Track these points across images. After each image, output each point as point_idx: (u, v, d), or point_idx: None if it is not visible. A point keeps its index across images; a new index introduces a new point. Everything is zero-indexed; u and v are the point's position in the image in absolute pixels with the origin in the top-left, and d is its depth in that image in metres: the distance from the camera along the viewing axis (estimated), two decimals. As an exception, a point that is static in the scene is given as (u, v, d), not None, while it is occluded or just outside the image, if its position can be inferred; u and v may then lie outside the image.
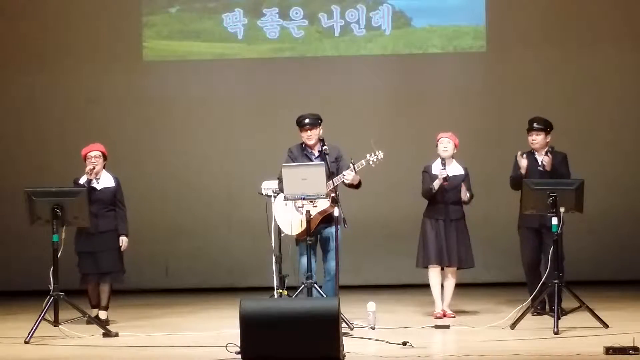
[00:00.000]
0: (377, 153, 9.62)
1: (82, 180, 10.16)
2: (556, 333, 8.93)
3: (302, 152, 9.88)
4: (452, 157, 10.20)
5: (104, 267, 10.15)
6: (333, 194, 9.49)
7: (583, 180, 9.42)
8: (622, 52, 13.21)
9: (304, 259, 9.58)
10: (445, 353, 8.38)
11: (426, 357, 8.06)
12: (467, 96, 13.30)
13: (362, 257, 12.82)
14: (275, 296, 9.77)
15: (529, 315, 9.57)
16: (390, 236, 12.95)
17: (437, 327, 9.60)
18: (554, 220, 9.24)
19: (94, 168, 10.13)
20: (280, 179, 9.63)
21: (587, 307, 9.33)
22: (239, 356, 7.70)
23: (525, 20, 13.27)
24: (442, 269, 10.17)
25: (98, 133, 12.25)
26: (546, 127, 10.13)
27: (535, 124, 10.14)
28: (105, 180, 10.25)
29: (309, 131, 9.82)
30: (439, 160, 10.18)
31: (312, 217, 9.44)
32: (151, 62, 13.57)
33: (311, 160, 9.76)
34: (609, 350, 7.82)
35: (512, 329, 9.23)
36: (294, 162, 9.76)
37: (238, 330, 7.67)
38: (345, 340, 7.97)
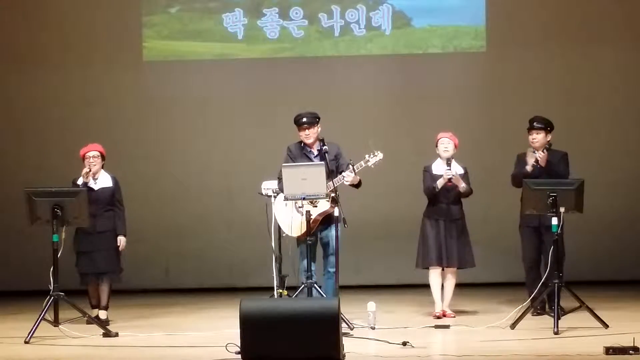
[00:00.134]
0: (376, 154, 9.62)
1: (80, 181, 10.17)
2: (556, 333, 8.93)
3: (301, 151, 9.87)
4: (452, 157, 10.20)
5: (101, 267, 10.16)
6: (333, 194, 9.50)
7: (583, 180, 9.42)
8: (622, 51, 13.21)
9: (305, 260, 9.59)
10: (445, 353, 8.38)
11: (426, 357, 8.06)
12: (467, 96, 13.30)
13: (362, 257, 12.82)
14: (275, 296, 9.76)
15: (529, 315, 9.56)
16: (390, 236, 12.95)
17: (437, 327, 9.60)
18: (554, 220, 9.25)
19: (90, 170, 10.14)
20: (280, 179, 9.63)
21: (587, 307, 9.33)
22: (239, 356, 7.71)
23: (525, 20, 13.27)
24: (443, 269, 10.17)
25: (98, 133, 12.25)
26: (546, 126, 10.13)
27: (535, 123, 10.14)
28: (103, 181, 10.25)
29: (306, 130, 9.83)
30: (439, 160, 10.19)
31: (312, 217, 9.44)
32: (151, 62, 13.57)
33: (310, 159, 9.76)
34: (609, 350, 7.82)
35: (512, 329, 9.23)
36: (293, 160, 9.76)
37: (238, 330, 7.67)
38: (345, 340, 7.97)
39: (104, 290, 10.26)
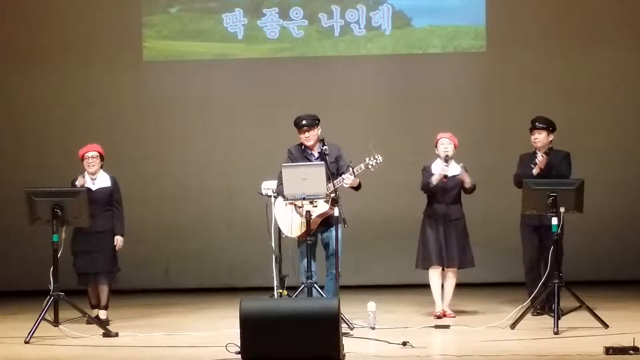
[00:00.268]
0: (376, 157, 9.62)
1: (78, 182, 10.18)
2: (556, 333, 8.93)
3: (302, 153, 9.87)
4: (452, 158, 10.21)
5: (98, 267, 10.17)
6: (333, 195, 9.50)
7: (583, 180, 9.42)
8: (622, 51, 13.21)
9: (305, 260, 9.59)
10: (445, 353, 8.38)
11: (426, 357, 8.07)
12: (467, 96, 13.30)
13: (362, 257, 12.82)
14: (275, 296, 9.76)
15: (529, 315, 9.56)
16: (390, 236, 12.94)
17: (437, 327, 9.60)
18: (554, 220, 9.25)
19: (83, 177, 10.16)
20: (279, 180, 9.63)
21: (587, 307, 9.33)
22: (239, 356, 7.71)
23: (525, 20, 13.27)
24: (443, 269, 10.17)
25: (98, 133, 12.26)
26: (548, 126, 10.14)
27: (537, 123, 10.15)
28: (101, 181, 10.26)
29: (306, 132, 9.82)
30: (438, 160, 10.19)
31: (312, 218, 9.44)
32: (151, 62, 13.57)
33: (310, 161, 9.75)
34: (609, 350, 7.82)
35: (512, 329, 9.24)
36: (293, 162, 9.75)
37: (238, 330, 7.67)
38: (345, 340, 7.97)
39: (104, 290, 10.26)
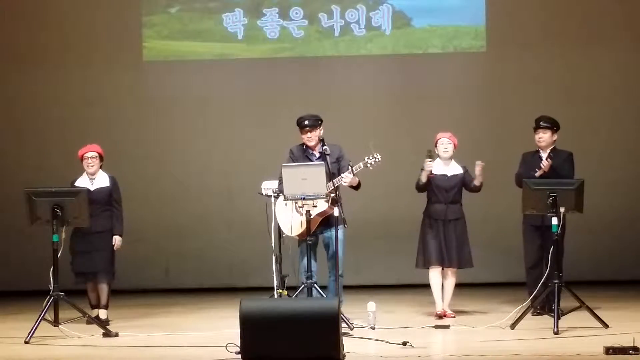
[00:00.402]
0: (375, 156, 9.62)
1: (79, 182, 10.18)
2: (556, 333, 8.93)
3: (303, 154, 9.87)
4: (451, 157, 10.21)
5: (96, 266, 10.16)
6: (333, 194, 9.50)
7: (583, 180, 9.43)
8: (622, 52, 13.21)
9: (305, 259, 9.59)
10: (445, 353, 8.38)
11: (426, 357, 8.06)
12: (467, 96, 13.31)
13: (362, 257, 12.81)
14: (275, 296, 9.76)
15: (529, 315, 9.56)
16: (390, 236, 12.95)
17: (437, 327, 9.60)
18: (554, 220, 9.25)
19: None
20: (280, 180, 9.63)
21: (587, 307, 9.33)
22: (239, 356, 7.71)
23: (525, 20, 13.27)
24: (443, 268, 10.17)
25: (98, 133, 12.26)
26: (552, 125, 10.15)
27: (542, 122, 10.15)
28: (100, 181, 10.26)
29: (309, 132, 9.82)
30: (438, 160, 10.19)
31: (312, 217, 9.44)
32: (151, 62, 13.57)
33: (312, 161, 9.75)
34: (609, 350, 7.82)
35: (512, 329, 9.24)
36: (294, 162, 9.75)
37: (238, 330, 7.67)
38: (345, 340, 7.97)
39: (103, 290, 10.26)
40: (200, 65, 13.56)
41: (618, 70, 13.23)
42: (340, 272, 9.68)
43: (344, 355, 7.75)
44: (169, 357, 8.43)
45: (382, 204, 13.01)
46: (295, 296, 9.46)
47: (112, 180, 10.33)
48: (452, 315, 10.17)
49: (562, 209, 9.23)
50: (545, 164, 9.97)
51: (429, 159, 10.01)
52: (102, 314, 10.24)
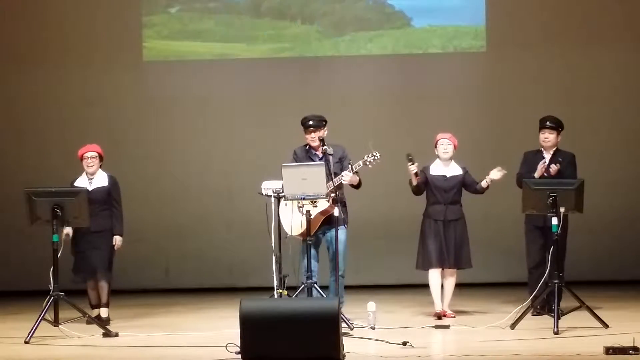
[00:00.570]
0: (374, 154, 9.63)
1: (77, 182, 10.18)
2: (556, 333, 8.93)
3: (306, 154, 9.88)
4: (451, 158, 10.21)
5: (94, 265, 10.16)
6: (333, 194, 9.50)
7: (583, 180, 9.43)
8: (622, 52, 13.21)
9: (306, 259, 9.59)
10: (445, 353, 8.38)
11: (426, 357, 8.06)
12: (467, 96, 13.31)
13: (362, 257, 12.79)
14: (275, 296, 9.76)
15: (529, 315, 9.56)
16: (390, 236, 12.95)
17: (437, 327, 9.60)
18: (554, 220, 9.25)
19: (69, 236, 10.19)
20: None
21: (587, 307, 9.32)
22: (239, 356, 7.70)
23: (525, 20, 13.27)
24: (442, 269, 10.16)
25: (98, 133, 12.27)
26: (558, 126, 10.16)
27: (548, 123, 10.16)
28: (98, 180, 10.26)
29: (312, 133, 9.83)
30: (437, 161, 10.20)
31: (313, 217, 9.44)
32: (151, 62, 13.57)
33: (314, 162, 9.75)
34: (609, 350, 7.81)
35: (512, 329, 9.23)
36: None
37: (238, 330, 7.67)
38: (345, 340, 7.97)
39: (103, 288, 10.26)
40: (200, 65, 13.56)
41: (618, 70, 13.23)
42: (341, 272, 9.69)
43: (344, 355, 7.75)
44: (169, 357, 8.43)
45: (382, 204, 13.01)
46: (295, 296, 9.46)
47: (111, 179, 10.32)
48: (452, 315, 10.17)
49: (562, 209, 9.23)
50: (553, 167, 9.98)
51: (410, 163, 10.02)
52: (103, 312, 10.24)
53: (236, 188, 13.16)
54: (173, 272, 13.49)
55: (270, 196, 9.91)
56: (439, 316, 10.08)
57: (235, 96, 13.47)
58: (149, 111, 13.50)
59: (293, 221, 9.67)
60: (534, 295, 9.57)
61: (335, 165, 9.67)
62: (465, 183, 10.18)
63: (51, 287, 9.32)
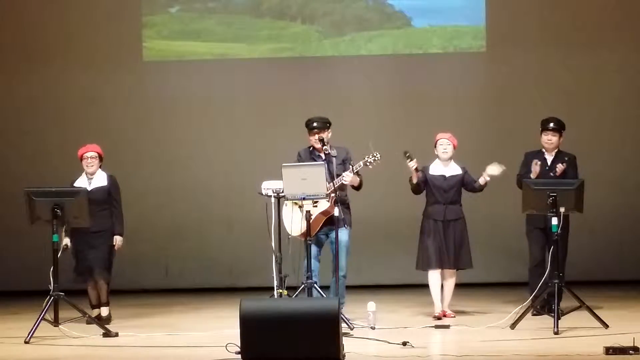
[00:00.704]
0: (374, 154, 9.63)
1: (77, 182, 10.18)
2: (556, 333, 8.93)
3: (310, 156, 9.89)
4: (451, 158, 10.21)
5: (92, 265, 10.16)
6: (333, 195, 9.50)
7: (583, 180, 9.43)
8: (623, 52, 13.21)
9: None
10: (445, 353, 8.38)
11: (426, 357, 8.06)
12: (467, 96, 13.30)
13: (362, 257, 12.77)
14: (275, 296, 9.76)
15: (529, 315, 9.56)
16: (390, 236, 12.95)
17: (437, 327, 9.60)
18: (554, 220, 9.25)
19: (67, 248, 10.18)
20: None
21: (587, 307, 9.32)
22: (239, 356, 7.70)
23: (525, 20, 13.27)
24: (442, 269, 10.16)
25: (98, 133, 12.26)
26: (561, 128, 10.17)
27: (551, 124, 10.16)
28: (98, 180, 10.26)
29: (316, 134, 9.83)
30: (437, 161, 10.20)
31: (314, 217, 9.44)
32: (151, 62, 13.57)
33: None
34: (609, 350, 7.81)
35: (512, 329, 9.23)
36: (301, 165, 9.77)
37: (238, 330, 7.67)
38: (345, 340, 7.97)
39: (102, 287, 10.26)
40: (201, 65, 13.56)
41: (618, 71, 13.22)
42: (343, 273, 9.69)
43: (344, 355, 7.75)
44: (169, 357, 8.43)
45: (383, 204, 13.01)
46: (295, 296, 9.46)
47: (111, 179, 10.32)
48: (452, 316, 10.16)
49: (562, 209, 9.23)
50: (560, 167, 9.99)
51: (408, 160, 10.01)
52: (104, 311, 10.24)
53: (236, 188, 13.15)
54: (173, 272, 13.49)
55: (270, 196, 9.90)
56: (439, 318, 10.07)
57: (235, 96, 13.47)
58: (149, 111, 13.50)
59: (294, 221, 9.67)
60: (534, 295, 9.57)
61: (338, 167, 9.68)
62: (465, 183, 10.19)
63: (51, 287, 9.32)
